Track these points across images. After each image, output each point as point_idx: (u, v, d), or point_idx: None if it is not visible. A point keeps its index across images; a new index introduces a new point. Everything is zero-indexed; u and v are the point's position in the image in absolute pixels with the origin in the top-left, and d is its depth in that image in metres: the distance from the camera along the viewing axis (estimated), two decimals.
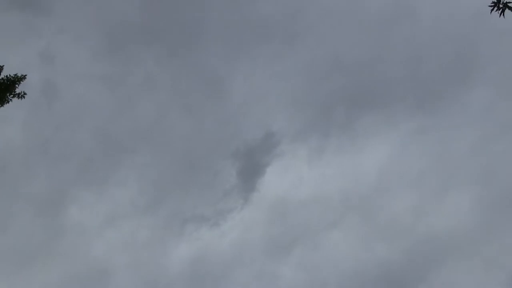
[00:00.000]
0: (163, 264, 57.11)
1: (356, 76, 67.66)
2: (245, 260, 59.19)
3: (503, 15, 11.33)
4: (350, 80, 68.24)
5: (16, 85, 19.81)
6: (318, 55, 68.88)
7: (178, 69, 68.97)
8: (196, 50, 68.61)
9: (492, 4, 11.49)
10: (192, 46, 68.19)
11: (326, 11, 68.00)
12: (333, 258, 58.25)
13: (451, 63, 64.80)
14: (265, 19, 67.59)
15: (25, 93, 20.07)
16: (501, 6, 11.40)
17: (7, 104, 19.83)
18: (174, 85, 68.64)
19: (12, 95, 19.76)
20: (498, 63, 62.99)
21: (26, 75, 19.98)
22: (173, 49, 68.34)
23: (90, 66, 64.55)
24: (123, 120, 66.91)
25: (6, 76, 19.62)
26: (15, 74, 19.81)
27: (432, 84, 66.12)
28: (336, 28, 68.50)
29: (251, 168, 64.66)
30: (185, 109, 68.56)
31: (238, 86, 68.95)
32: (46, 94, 54.57)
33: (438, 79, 65.49)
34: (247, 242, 61.14)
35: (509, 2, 11.32)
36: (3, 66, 19.68)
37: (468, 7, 59.52)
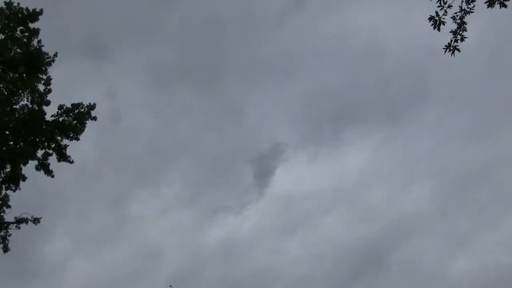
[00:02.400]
0: (201, 244, 57.61)
1: (340, 99, 68.67)
2: (261, 239, 59.72)
3: (454, 54, 11.76)
4: (335, 102, 69.28)
5: (91, 112, 20.06)
6: (311, 84, 70.14)
7: (207, 98, 70.31)
8: (220, 83, 70.01)
9: (445, 47, 11.71)
10: (217, 80, 69.66)
11: (316, 52, 69.33)
12: (328, 237, 58.70)
13: (410, 87, 65.67)
14: (271, 58, 68.97)
15: (96, 117, 20.31)
16: (451, 48, 11.61)
17: (85, 128, 20.20)
18: (204, 110, 70.04)
19: (90, 119, 20.20)
20: (447, 86, 64.12)
21: (96, 103, 20.27)
22: (203, 83, 69.89)
23: (143, 97, 66.39)
24: (168, 137, 68.03)
25: (87, 105, 20.10)
26: (89, 103, 20.24)
27: (397, 104, 66.85)
28: (324, 64, 69.82)
29: (263, 170, 65.36)
30: (213, 128, 69.80)
31: (252, 109, 70.29)
32: (111, 119, 54.64)
33: (401, 100, 66.12)
34: (262, 226, 61.35)
35: (457, 45, 11.58)
36: (82, 102, 20.12)
37: (422, 44, 60.50)
